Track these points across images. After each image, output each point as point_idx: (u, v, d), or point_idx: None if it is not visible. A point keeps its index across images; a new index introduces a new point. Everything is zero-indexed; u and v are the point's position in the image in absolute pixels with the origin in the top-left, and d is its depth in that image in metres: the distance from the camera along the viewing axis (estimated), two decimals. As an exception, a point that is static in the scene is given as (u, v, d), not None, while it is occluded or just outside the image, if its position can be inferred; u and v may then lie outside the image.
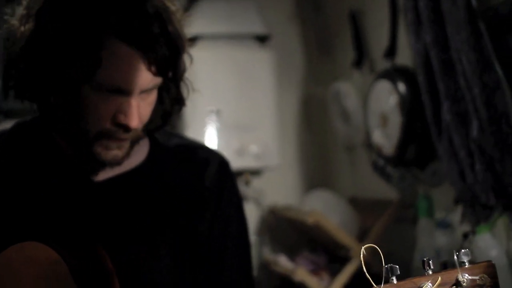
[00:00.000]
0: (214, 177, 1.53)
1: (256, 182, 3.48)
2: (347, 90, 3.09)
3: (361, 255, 1.27)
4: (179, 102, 1.48)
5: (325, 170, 3.61)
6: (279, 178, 3.49)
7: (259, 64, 3.30)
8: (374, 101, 2.75)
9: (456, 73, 2.17)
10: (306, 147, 3.60)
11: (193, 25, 3.15)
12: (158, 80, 1.36)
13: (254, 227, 3.44)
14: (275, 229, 3.43)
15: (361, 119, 2.95)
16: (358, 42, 3.09)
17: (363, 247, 1.27)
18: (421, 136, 2.52)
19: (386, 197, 2.99)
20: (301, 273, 2.85)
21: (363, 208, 3.14)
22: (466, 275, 1.21)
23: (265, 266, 3.21)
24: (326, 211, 2.94)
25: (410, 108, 2.54)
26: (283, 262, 3.02)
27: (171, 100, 1.46)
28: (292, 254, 3.20)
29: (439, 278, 1.21)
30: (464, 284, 1.20)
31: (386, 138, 2.67)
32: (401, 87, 2.59)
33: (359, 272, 2.86)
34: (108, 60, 1.30)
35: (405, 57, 2.66)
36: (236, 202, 1.58)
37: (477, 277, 1.21)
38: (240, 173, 3.35)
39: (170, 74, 1.40)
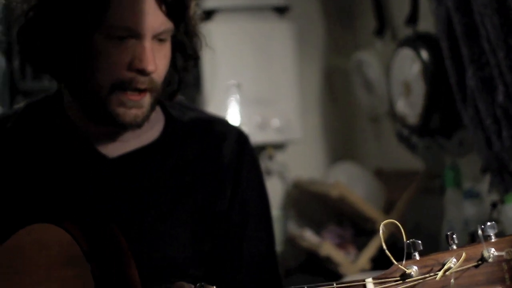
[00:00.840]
0: (232, 152, 1.49)
1: (279, 156, 3.44)
2: (369, 60, 3.03)
3: (381, 231, 1.23)
4: (193, 56, 1.45)
5: (350, 142, 3.56)
6: (303, 152, 3.44)
7: (279, 36, 3.24)
8: (397, 69, 2.69)
9: (480, 37, 2.12)
10: (329, 119, 3.55)
11: (210, -1, 3.16)
12: (170, 25, 1.33)
13: (279, 202, 3.40)
14: (300, 203, 3.40)
15: (384, 88, 2.90)
16: (379, 9, 3.03)
17: (382, 223, 1.23)
18: (445, 104, 2.46)
19: (412, 168, 2.93)
20: (327, 247, 2.81)
21: (389, 180, 3.09)
22: (492, 249, 1.16)
23: (291, 241, 3.17)
24: (351, 183, 2.90)
25: (434, 75, 2.48)
26: (309, 236, 2.98)
27: (184, 56, 1.43)
28: (318, 228, 3.16)
29: (464, 253, 1.16)
30: (490, 259, 1.15)
31: (409, 107, 2.62)
32: (424, 54, 2.53)
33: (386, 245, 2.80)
34: (117, 1, 1.28)
35: (427, 23, 2.59)
36: (256, 177, 1.54)
37: (503, 252, 1.16)
38: (262, 147, 3.32)
39: (182, 24, 1.38)
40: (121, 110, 1.34)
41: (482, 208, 2.44)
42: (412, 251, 1.22)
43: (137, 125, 1.37)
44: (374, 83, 3.01)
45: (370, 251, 2.79)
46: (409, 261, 1.20)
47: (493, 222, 1.20)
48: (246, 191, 1.49)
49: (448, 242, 1.20)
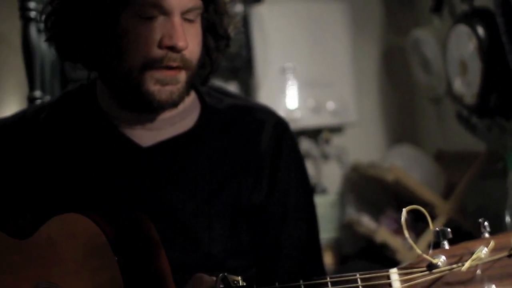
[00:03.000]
0: (270, 141, 1.44)
1: (337, 140, 3.38)
2: (426, 38, 2.93)
3: (403, 219, 1.16)
4: (224, 37, 1.41)
5: (410, 124, 3.47)
6: (362, 134, 3.38)
7: (334, 16, 3.18)
8: (453, 47, 2.60)
9: (537, 11, 2.01)
10: (388, 100, 3.47)
11: (262, -20, 3.11)
12: (198, 3, 1.31)
13: (337, 186, 3.35)
14: (359, 188, 3.33)
15: (442, 67, 2.79)
16: (437, -15, 2.91)
17: (404, 209, 1.16)
18: (503, 83, 2.35)
19: (474, 150, 2.84)
20: (383, 233, 2.74)
21: (451, 162, 3.00)
22: (527, 238, 1.08)
23: (350, 227, 3.11)
24: (408, 167, 2.82)
25: (490, 52, 2.38)
26: (366, 222, 2.92)
27: (215, 36, 1.40)
28: (377, 213, 3.09)
29: (492, 242, 1.08)
30: (521, 250, 1.07)
31: (467, 87, 2.52)
32: (480, 30, 2.42)
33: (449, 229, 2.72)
34: None
35: (485, -2, 2.48)
36: (296, 167, 1.48)
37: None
38: (318, 131, 3.27)
39: (211, 5, 1.36)
40: (156, 88, 1.31)
41: (545, 191, 2.34)
42: (441, 239, 1.15)
43: (173, 103, 1.34)
44: (431, 62, 2.91)
45: (428, 237, 2.70)
46: (437, 251, 1.13)
47: None
48: (285, 180, 1.44)
49: (480, 230, 1.13)
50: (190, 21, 1.32)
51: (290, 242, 1.45)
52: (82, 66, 1.41)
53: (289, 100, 3.13)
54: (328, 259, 2.94)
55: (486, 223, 1.11)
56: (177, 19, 1.29)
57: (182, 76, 1.32)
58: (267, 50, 3.06)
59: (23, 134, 1.42)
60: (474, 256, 1.08)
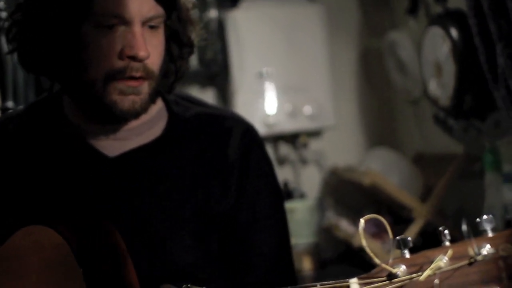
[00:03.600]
0: (238, 148, 1.43)
1: (315, 144, 3.37)
2: (402, 40, 2.93)
3: (360, 228, 1.14)
4: (188, 44, 1.40)
5: (388, 127, 3.46)
6: (340, 138, 3.37)
7: (309, 19, 3.17)
8: (428, 49, 2.59)
9: (508, 12, 1.99)
10: (366, 103, 3.46)
11: (235, -14, 3.10)
12: (159, 11, 1.30)
13: (316, 190, 3.34)
14: (338, 192, 3.32)
15: (418, 69, 2.78)
16: (412, -14, 2.90)
17: (362, 219, 1.15)
18: (477, 84, 2.34)
19: (453, 152, 2.83)
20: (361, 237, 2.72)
21: (429, 165, 2.99)
22: (488, 246, 1.07)
23: (329, 231, 3.09)
24: (385, 170, 2.81)
25: (464, 54, 2.37)
26: (344, 226, 2.90)
27: (179, 44, 1.39)
28: (356, 217, 3.07)
29: (449, 251, 1.07)
30: (479, 257, 1.05)
31: (442, 89, 2.51)
32: (454, 32, 2.42)
33: (422, 233, 2.72)
34: None
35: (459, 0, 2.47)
36: (265, 174, 1.46)
37: (498, 249, 1.06)
38: (296, 135, 3.26)
39: (174, 12, 1.35)
40: (118, 98, 1.30)
41: (523, 193, 2.34)
42: (402, 248, 1.13)
43: (135, 112, 1.32)
44: (407, 65, 2.91)
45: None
46: (397, 260, 1.11)
47: (490, 215, 1.11)
48: (254, 188, 1.43)
49: (440, 239, 1.11)
50: (152, 29, 1.30)
51: (259, 251, 1.44)
52: (46, 78, 1.41)
53: (266, 105, 3.12)
54: (307, 264, 2.92)
55: (446, 232, 1.10)
56: (137, 28, 1.28)
57: (145, 86, 1.31)
58: (243, 55, 3.04)
59: None
60: (433, 265, 1.06)
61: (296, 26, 3.14)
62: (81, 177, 1.37)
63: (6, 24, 1.35)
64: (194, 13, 1.42)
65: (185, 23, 1.38)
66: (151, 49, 1.29)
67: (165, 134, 1.41)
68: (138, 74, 1.29)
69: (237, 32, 3.02)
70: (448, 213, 2.83)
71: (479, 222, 1.08)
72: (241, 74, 3.07)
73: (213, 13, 3.08)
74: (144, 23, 1.29)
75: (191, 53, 1.42)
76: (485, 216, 1.10)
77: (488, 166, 2.46)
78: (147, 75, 1.30)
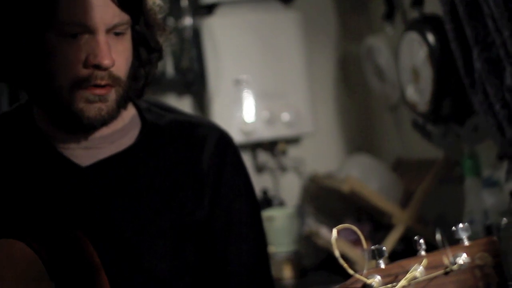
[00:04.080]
0: (212, 156, 1.43)
1: (294, 151, 3.35)
2: (379, 45, 2.91)
3: (333, 238, 1.12)
4: (156, 49, 1.40)
5: (368, 133, 3.44)
6: (319, 145, 3.34)
7: (285, 26, 3.13)
8: (405, 55, 2.57)
9: (484, 16, 1.99)
10: (344, 109, 3.44)
11: (210, -8, 3.07)
12: (124, 17, 1.30)
13: (296, 198, 3.32)
14: (318, 199, 3.30)
15: (395, 75, 2.77)
16: (387, -10, 2.88)
17: (334, 229, 1.13)
18: (455, 89, 2.32)
19: (433, 157, 2.81)
20: (341, 245, 2.70)
21: (409, 170, 2.98)
22: (464, 254, 1.05)
23: (310, 239, 3.07)
24: (365, 176, 2.79)
25: (441, 59, 2.35)
26: (324, 233, 2.88)
27: (148, 49, 1.39)
28: (336, 224, 3.04)
29: (424, 260, 1.05)
30: (455, 266, 1.04)
31: (419, 94, 2.50)
32: (430, 37, 2.40)
33: (404, 239, 2.71)
34: None
35: (435, 4, 2.45)
36: (240, 181, 1.47)
37: (475, 258, 1.05)
38: (274, 143, 3.24)
39: (141, 17, 1.34)
40: (84, 106, 1.30)
41: (502, 197, 2.33)
42: (377, 258, 1.11)
43: (102, 120, 1.32)
44: (385, 70, 2.90)
45: (387, 247, 2.66)
46: (371, 270, 1.09)
47: (466, 223, 1.09)
48: (229, 196, 1.44)
49: (415, 248, 1.10)
50: (118, 36, 1.30)
51: (236, 260, 1.43)
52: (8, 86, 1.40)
53: (243, 112, 3.09)
54: (287, 272, 2.89)
55: (421, 241, 1.08)
56: (101, 36, 1.27)
57: (112, 94, 1.31)
58: (220, 63, 3.02)
59: None
60: (408, 275, 1.05)
61: (272, 32, 3.12)
62: (53, 187, 1.36)
63: None
64: (162, 17, 1.42)
65: (152, 27, 1.38)
66: (116, 55, 1.29)
67: (138, 142, 1.41)
68: (103, 82, 1.29)
69: (213, 39, 3.00)
70: (429, 219, 2.81)
71: (454, 231, 1.07)
72: (218, 81, 3.04)
73: (188, 21, 3.05)
74: (108, 30, 1.28)
75: (160, 57, 1.42)
76: (460, 225, 1.09)
77: (468, 171, 2.45)
78: (113, 82, 1.30)
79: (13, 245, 1.23)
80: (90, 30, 1.27)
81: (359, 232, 1.10)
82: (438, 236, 1.04)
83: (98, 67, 1.27)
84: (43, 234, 1.26)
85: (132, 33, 1.35)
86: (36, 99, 1.37)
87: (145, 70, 1.40)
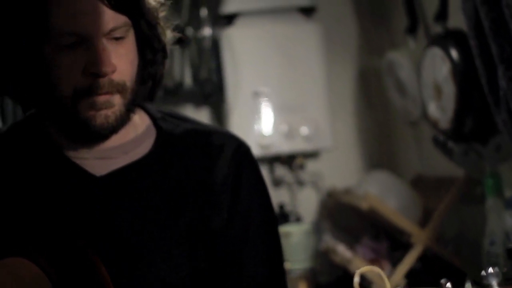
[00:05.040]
0: (229, 165, 1.40)
1: (312, 165, 3.32)
2: (401, 60, 2.86)
3: (355, 282, 1.07)
4: (159, 49, 1.36)
5: (387, 148, 3.41)
6: (338, 160, 3.31)
7: (306, 38, 3.11)
8: (427, 70, 2.53)
9: (510, 33, 1.94)
10: (364, 124, 3.41)
11: (231, 2, 3.05)
12: (122, 20, 1.27)
13: (313, 213, 3.28)
14: (336, 214, 3.26)
15: (417, 91, 2.72)
16: (410, 4, 2.83)
17: (357, 271, 1.08)
18: (478, 107, 2.28)
19: (453, 175, 2.77)
20: (358, 264, 2.66)
21: (429, 188, 2.94)
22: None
23: (326, 254, 3.03)
24: (384, 194, 2.76)
25: (464, 76, 2.31)
26: (341, 250, 2.84)
27: (152, 49, 1.35)
28: (354, 241, 3.01)
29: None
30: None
31: (441, 111, 2.45)
32: (454, 53, 2.36)
33: (422, 259, 2.65)
34: (56, 7, 1.23)
35: (459, 19, 2.41)
36: (258, 193, 1.43)
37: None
38: (292, 157, 3.21)
39: (142, 18, 1.30)
40: (91, 113, 1.28)
41: (525, 219, 2.29)
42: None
43: (110, 127, 1.30)
44: (406, 85, 2.85)
45: (404, 267, 2.63)
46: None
47: (496, 267, 1.04)
48: (246, 206, 1.39)
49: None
50: (118, 39, 1.28)
51: (250, 273, 1.39)
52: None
53: (261, 125, 3.07)
54: (302, 290, 2.86)
55: (448, 284, 1.03)
56: (98, 43, 1.25)
57: (117, 98, 1.29)
58: (238, 74, 3.00)
59: None
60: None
61: (293, 44, 3.10)
62: (67, 198, 1.33)
63: None
64: (164, 15, 1.37)
65: (154, 27, 1.34)
66: (118, 60, 1.27)
67: (153, 151, 1.38)
68: (105, 90, 1.26)
69: (232, 50, 2.98)
70: (448, 239, 2.76)
71: (484, 276, 1.01)
72: (236, 93, 3.02)
73: (207, 31, 3.03)
74: (106, 35, 1.25)
75: (165, 56, 1.38)
76: (490, 270, 1.03)
77: (489, 191, 2.41)
78: (117, 88, 1.28)
79: (19, 264, 1.20)
80: (86, 38, 1.24)
81: (383, 274, 1.03)
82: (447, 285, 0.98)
83: (97, 75, 1.25)
84: (53, 250, 1.23)
85: (136, 34, 1.32)
86: (43, 112, 1.35)
87: (151, 71, 1.36)
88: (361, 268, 1.01)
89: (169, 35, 1.37)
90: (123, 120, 1.31)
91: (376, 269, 1.03)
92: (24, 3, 1.24)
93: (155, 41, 1.34)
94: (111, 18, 1.25)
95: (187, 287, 1.34)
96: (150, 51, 1.35)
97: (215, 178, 1.38)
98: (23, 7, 1.24)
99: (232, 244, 1.38)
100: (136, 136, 1.38)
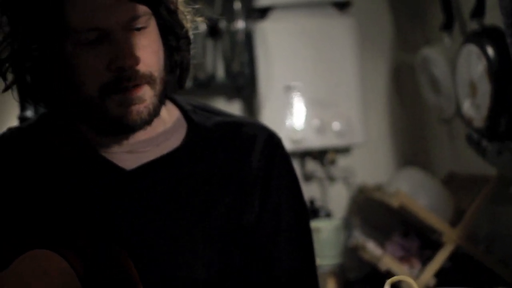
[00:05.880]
0: (261, 157, 1.37)
1: (343, 161, 3.29)
2: (436, 57, 2.82)
3: None
4: (182, 36, 1.33)
5: (420, 145, 3.36)
6: (369, 156, 3.29)
7: (339, 32, 3.08)
8: (462, 67, 2.49)
9: (549, 31, 1.90)
10: (397, 120, 3.37)
11: (264, -4, 3.03)
12: (141, 10, 1.23)
13: (344, 209, 3.27)
14: (366, 211, 3.23)
15: (452, 88, 2.68)
16: (447, 1, 2.79)
17: (388, 281, 1.06)
18: (514, 106, 2.25)
19: (486, 173, 2.72)
20: (388, 262, 2.63)
21: (462, 186, 2.89)
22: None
23: (355, 251, 3.00)
24: (415, 191, 2.72)
25: (500, 74, 2.26)
26: (371, 248, 2.81)
27: (176, 36, 1.32)
28: (384, 238, 2.98)
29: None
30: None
31: (476, 109, 2.41)
32: (490, 51, 2.30)
33: (452, 258, 2.62)
34: (74, 2, 1.20)
35: (496, 16, 2.36)
36: (289, 185, 1.40)
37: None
38: (324, 152, 3.19)
39: (162, 5, 1.28)
40: (121, 111, 1.25)
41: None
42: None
43: (143, 121, 1.27)
44: (440, 82, 2.80)
45: (434, 266, 2.59)
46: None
47: None
48: (277, 200, 1.37)
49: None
50: (140, 30, 1.25)
51: (282, 267, 1.37)
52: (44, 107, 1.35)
53: (293, 120, 3.04)
54: (331, 286, 2.83)
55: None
56: (119, 36, 1.22)
57: (147, 91, 1.26)
58: (271, 68, 2.98)
59: (1, 159, 1.35)
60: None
61: (326, 39, 3.07)
62: (98, 192, 1.31)
63: None
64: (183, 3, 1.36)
65: (174, 13, 1.32)
66: (142, 51, 1.24)
67: (184, 144, 1.36)
68: (131, 83, 1.23)
69: (265, 44, 2.96)
70: (480, 238, 2.73)
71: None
72: (269, 87, 3.00)
73: (240, 24, 3.02)
74: (125, 27, 1.23)
75: (189, 42, 1.35)
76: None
77: (524, 191, 2.38)
78: (143, 80, 1.25)
79: (47, 256, 1.19)
80: (106, 33, 1.22)
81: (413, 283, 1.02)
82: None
83: (122, 68, 1.22)
84: (82, 245, 1.22)
85: (157, 22, 1.29)
86: (72, 113, 1.32)
87: (177, 58, 1.34)
88: (392, 278, 0.99)
89: (191, 20, 1.34)
90: (156, 112, 1.28)
91: (407, 279, 1.01)
92: (41, 3, 1.21)
93: (177, 27, 1.32)
94: (130, 8, 1.22)
95: (216, 285, 1.32)
96: (173, 38, 1.32)
97: (247, 171, 1.36)
98: (40, 8, 1.22)
99: (264, 237, 1.36)
100: (166, 129, 1.36)
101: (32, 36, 1.23)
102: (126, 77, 1.22)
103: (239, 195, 1.34)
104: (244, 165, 1.36)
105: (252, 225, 1.35)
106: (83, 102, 1.25)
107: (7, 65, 1.28)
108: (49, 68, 1.25)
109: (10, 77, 1.31)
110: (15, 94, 1.32)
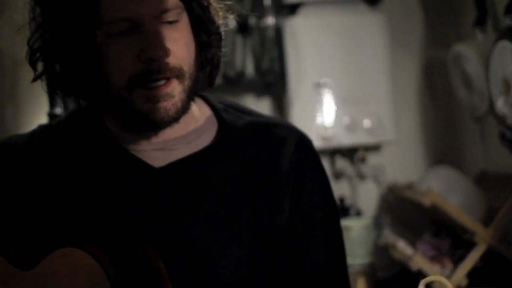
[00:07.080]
0: (292, 158, 1.35)
1: (374, 159, 3.27)
2: (468, 53, 2.79)
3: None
4: (214, 31, 1.31)
5: (451, 143, 3.33)
6: (400, 154, 3.26)
7: (371, 28, 3.06)
8: (496, 64, 2.46)
9: None
10: (428, 118, 3.34)
11: (295, -8, 3.02)
12: (173, 2, 1.23)
13: (374, 207, 3.24)
14: (397, 209, 3.21)
15: (485, 85, 2.65)
16: (480, -3, 2.76)
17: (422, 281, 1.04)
18: (549, 104, 2.21)
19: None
20: (419, 261, 2.60)
21: (493, 185, 2.86)
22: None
23: (386, 250, 2.98)
24: (446, 190, 2.69)
25: (535, 71, 2.23)
26: (401, 247, 2.78)
27: (207, 32, 1.30)
28: (414, 237, 2.96)
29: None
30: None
31: (509, 107, 2.38)
32: (525, 47, 2.28)
33: (484, 257, 2.58)
34: None
35: (531, 12, 2.33)
36: (321, 187, 1.38)
37: None
38: (354, 149, 3.17)
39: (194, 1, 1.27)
40: (148, 107, 1.24)
41: None
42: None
43: (171, 118, 1.25)
44: (473, 79, 2.77)
45: (466, 266, 2.56)
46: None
47: None
48: (309, 201, 1.35)
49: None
50: (171, 23, 1.24)
51: (313, 269, 1.36)
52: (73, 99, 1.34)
53: (323, 117, 3.02)
54: (361, 285, 2.81)
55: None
56: (150, 27, 1.21)
57: (176, 87, 1.24)
58: (301, 65, 2.96)
59: (31, 156, 1.34)
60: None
61: (356, 35, 3.05)
62: (127, 190, 1.30)
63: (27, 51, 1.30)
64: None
65: (207, 9, 1.31)
66: (173, 44, 1.22)
67: (215, 142, 1.34)
68: (161, 75, 1.22)
69: (295, 40, 2.95)
70: (513, 238, 2.69)
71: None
72: (298, 84, 2.98)
73: (270, 20, 3.00)
74: (157, 18, 1.22)
75: (220, 39, 1.34)
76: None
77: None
78: (173, 73, 1.23)
79: (77, 254, 1.18)
80: (138, 24, 1.21)
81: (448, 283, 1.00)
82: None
83: (152, 59, 1.21)
84: (111, 244, 1.22)
85: (189, 17, 1.28)
86: (101, 105, 1.32)
87: (208, 54, 1.32)
88: (426, 278, 0.97)
89: (223, 16, 1.33)
90: (185, 109, 1.27)
91: (442, 279, 0.99)
92: None
93: (209, 23, 1.31)
94: (162, 1, 1.22)
95: (245, 285, 1.30)
96: (205, 34, 1.31)
97: (278, 171, 1.35)
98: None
99: (296, 239, 1.35)
100: (196, 127, 1.35)
101: (65, 26, 1.23)
102: (156, 69, 1.21)
103: (270, 196, 1.33)
104: (274, 167, 1.35)
105: (283, 227, 1.33)
106: (111, 94, 1.24)
107: (37, 55, 1.28)
108: (79, 58, 1.24)
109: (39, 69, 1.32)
110: (45, 86, 1.33)
